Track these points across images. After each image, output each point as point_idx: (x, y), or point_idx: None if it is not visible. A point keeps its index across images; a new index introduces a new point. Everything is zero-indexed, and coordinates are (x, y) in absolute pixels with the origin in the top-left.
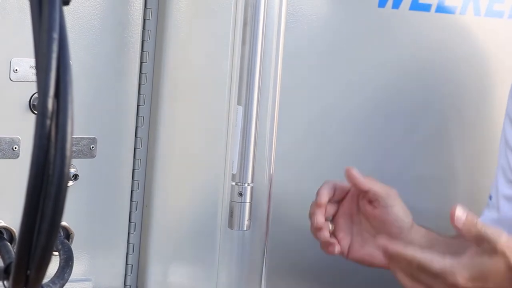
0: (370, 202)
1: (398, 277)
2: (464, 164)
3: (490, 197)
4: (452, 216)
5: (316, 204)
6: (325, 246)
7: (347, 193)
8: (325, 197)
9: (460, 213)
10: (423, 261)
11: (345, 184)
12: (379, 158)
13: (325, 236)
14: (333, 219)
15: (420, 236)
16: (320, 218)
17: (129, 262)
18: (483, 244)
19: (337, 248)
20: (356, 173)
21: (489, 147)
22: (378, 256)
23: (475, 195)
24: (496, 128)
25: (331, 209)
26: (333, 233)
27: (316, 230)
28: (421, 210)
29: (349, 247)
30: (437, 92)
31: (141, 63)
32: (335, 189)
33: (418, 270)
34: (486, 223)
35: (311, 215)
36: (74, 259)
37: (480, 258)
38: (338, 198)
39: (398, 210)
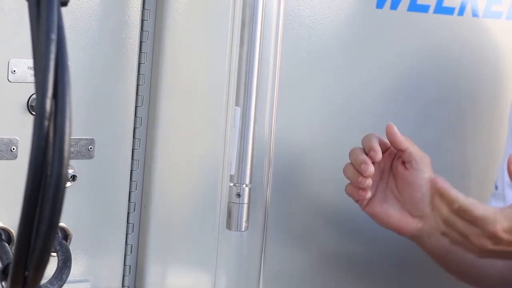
0: (404, 162)
1: (423, 234)
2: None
3: (496, 187)
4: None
5: (370, 156)
6: (359, 191)
7: (386, 150)
8: (379, 151)
9: None
10: (466, 204)
11: (386, 140)
12: None
13: (369, 183)
14: None
15: None
16: (371, 169)
17: (127, 263)
18: None
19: (368, 194)
20: (396, 130)
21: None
22: (393, 217)
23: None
24: (494, 130)
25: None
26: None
27: (362, 179)
28: None
29: (369, 200)
30: (436, 93)
31: (139, 64)
32: (378, 143)
33: (457, 214)
34: None
35: (361, 162)
36: (72, 260)
37: None
38: (383, 148)
39: (427, 177)
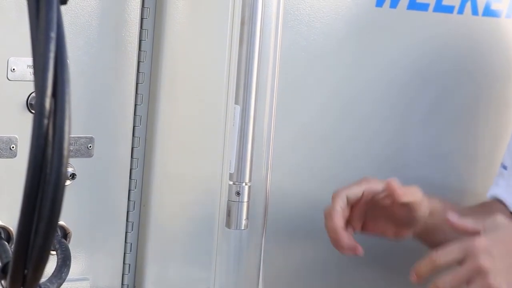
0: (397, 204)
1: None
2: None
3: (505, 167)
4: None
5: (333, 219)
6: (350, 250)
7: (360, 198)
8: (339, 215)
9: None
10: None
11: (357, 190)
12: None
13: (348, 241)
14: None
15: (434, 218)
16: (347, 241)
17: (127, 261)
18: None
19: (360, 250)
20: (397, 186)
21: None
22: (389, 232)
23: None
24: (495, 128)
25: (346, 212)
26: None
27: (338, 237)
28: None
29: (362, 224)
30: (436, 92)
31: (138, 62)
32: (347, 199)
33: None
34: (500, 192)
35: (329, 225)
36: (72, 259)
37: None
38: (352, 204)
39: (421, 212)
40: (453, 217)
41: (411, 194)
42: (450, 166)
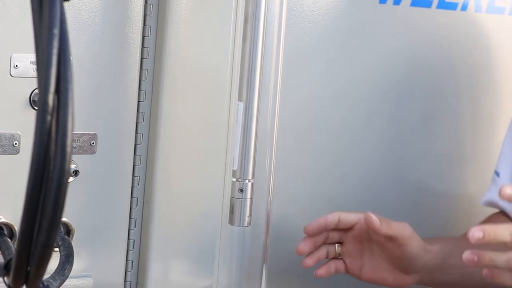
0: (385, 238)
1: (424, 279)
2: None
3: (498, 174)
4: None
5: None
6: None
7: (354, 224)
8: (311, 230)
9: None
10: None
11: (352, 216)
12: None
13: (305, 246)
14: (342, 243)
15: (432, 256)
16: (302, 247)
17: (130, 258)
18: None
19: (306, 265)
20: (374, 220)
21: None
22: (390, 279)
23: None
24: (495, 127)
25: (335, 235)
26: (341, 257)
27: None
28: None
29: (360, 270)
30: (437, 90)
31: (141, 59)
32: (338, 219)
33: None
34: (493, 196)
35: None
36: (75, 255)
37: None
38: (344, 227)
39: (413, 247)
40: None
41: (394, 227)
42: (447, 170)
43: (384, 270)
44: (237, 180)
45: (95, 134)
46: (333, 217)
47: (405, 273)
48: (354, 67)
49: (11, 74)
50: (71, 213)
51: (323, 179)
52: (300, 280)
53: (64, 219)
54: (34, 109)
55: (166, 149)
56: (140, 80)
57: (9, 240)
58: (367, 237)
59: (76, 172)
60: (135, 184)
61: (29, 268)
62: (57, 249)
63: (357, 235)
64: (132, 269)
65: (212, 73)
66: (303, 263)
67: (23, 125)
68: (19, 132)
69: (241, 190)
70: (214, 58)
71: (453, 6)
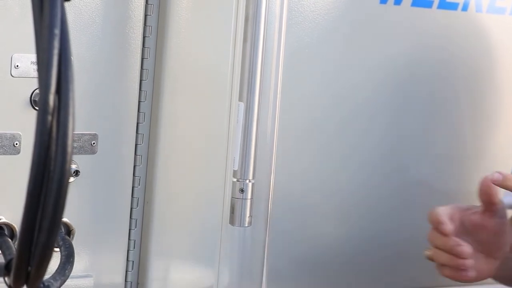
0: (485, 212)
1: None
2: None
3: None
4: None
5: (441, 230)
6: (462, 273)
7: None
8: (446, 223)
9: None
10: None
11: (445, 208)
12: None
13: (471, 263)
14: None
15: None
16: (467, 249)
17: (130, 258)
18: None
19: (473, 273)
20: (490, 183)
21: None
22: (485, 271)
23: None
24: (496, 127)
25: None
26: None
27: (463, 262)
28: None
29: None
30: (438, 89)
31: (142, 59)
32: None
33: None
34: None
35: (453, 245)
36: (75, 256)
37: None
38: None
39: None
40: None
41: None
42: (448, 169)
43: (479, 260)
44: (237, 180)
45: (95, 134)
46: (443, 210)
47: (491, 256)
48: (354, 67)
49: (12, 74)
50: (72, 213)
51: (324, 179)
52: (300, 280)
53: (64, 219)
54: (35, 109)
55: (166, 150)
56: (140, 80)
57: (9, 240)
58: (461, 223)
59: (76, 172)
60: (136, 184)
61: (29, 268)
62: (57, 249)
63: (456, 219)
64: (132, 269)
65: (212, 73)
66: (467, 277)
67: (24, 125)
68: (19, 132)
69: (242, 190)
70: (214, 58)
71: (454, 6)
